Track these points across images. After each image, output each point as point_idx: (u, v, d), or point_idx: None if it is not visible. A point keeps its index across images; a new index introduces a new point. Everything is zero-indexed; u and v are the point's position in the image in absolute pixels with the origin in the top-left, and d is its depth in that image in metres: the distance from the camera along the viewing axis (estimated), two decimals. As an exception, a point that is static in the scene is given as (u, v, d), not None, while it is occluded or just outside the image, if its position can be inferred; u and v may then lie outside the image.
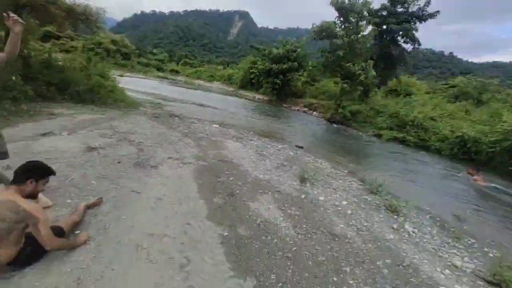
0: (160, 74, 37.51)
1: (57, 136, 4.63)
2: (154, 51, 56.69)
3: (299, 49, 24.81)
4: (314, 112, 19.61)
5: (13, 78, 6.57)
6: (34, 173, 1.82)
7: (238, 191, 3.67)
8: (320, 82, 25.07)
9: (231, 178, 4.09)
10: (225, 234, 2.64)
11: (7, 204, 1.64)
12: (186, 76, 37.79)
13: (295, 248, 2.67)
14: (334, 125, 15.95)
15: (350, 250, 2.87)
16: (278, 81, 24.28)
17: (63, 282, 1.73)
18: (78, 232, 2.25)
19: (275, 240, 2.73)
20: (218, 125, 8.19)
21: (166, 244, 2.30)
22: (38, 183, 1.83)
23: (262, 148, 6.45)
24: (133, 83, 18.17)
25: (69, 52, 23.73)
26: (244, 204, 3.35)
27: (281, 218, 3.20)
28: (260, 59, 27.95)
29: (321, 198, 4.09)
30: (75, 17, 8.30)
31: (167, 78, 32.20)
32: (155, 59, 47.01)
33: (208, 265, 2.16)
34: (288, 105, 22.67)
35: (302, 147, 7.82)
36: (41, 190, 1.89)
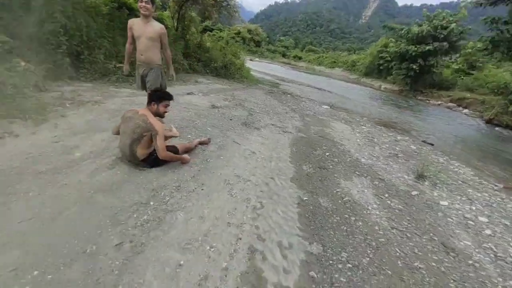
0: (284, 60, 39.49)
1: (195, 95, 5.88)
2: (282, 38, 59.98)
3: (453, 25, 18.33)
4: (465, 110, 14.80)
5: (177, 55, 8.80)
6: (155, 97, 2.41)
7: (331, 166, 3.40)
8: (483, 70, 18.23)
9: (327, 154, 3.82)
10: (305, 198, 2.53)
11: (141, 117, 2.29)
12: (308, 62, 37.88)
13: (383, 239, 2.20)
14: (497, 129, 11.45)
15: (471, 275, 2.06)
16: (415, 67, 19.31)
17: (169, 184, 2.25)
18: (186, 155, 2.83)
19: (360, 223, 2.35)
20: (328, 107, 7.77)
21: (248, 187, 2.48)
22: (159, 105, 2.41)
23: (374, 135, 5.58)
24: (259, 66, 20.15)
25: (219, 40, 29.38)
26: (335, 179, 3.07)
27: (375, 206, 2.70)
28: (393, 41, 23.13)
29: (443, 203, 3.12)
30: (219, 5, 9.98)
31: (289, 64, 33.62)
32: (282, 46, 49.81)
33: (279, 216, 2.16)
34: (426, 98, 18.20)
35: (432, 145, 6.17)
36: (162, 111, 2.47)
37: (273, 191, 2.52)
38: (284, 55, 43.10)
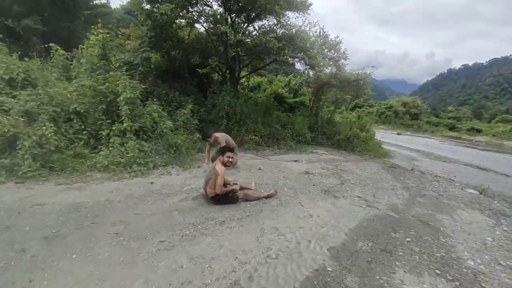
0: (452, 133, 31.99)
1: (298, 162, 6.66)
2: (450, 108, 49.94)
3: None
4: None
5: (302, 129, 10.30)
6: (221, 151, 3.45)
7: (400, 253, 2.74)
8: None
9: (408, 239, 3.07)
10: (328, 269, 2.34)
11: (213, 165, 3.37)
12: (492, 136, 27.99)
13: None
14: None
15: None
16: None
17: (218, 218, 3.01)
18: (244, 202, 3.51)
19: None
20: (476, 192, 5.70)
21: (277, 239, 2.73)
22: (224, 156, 3.44)
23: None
24: (404, 140, 17.94)
25: (366, 115, 29.88)
26: (391, 267, 2.48)
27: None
28: None
29: None
30: (350, 85, 10.95)
31: (459, 138, 26.64)
32: (451, 117, 41.16)
33: (283, 272, 2.23)
34: None
35: None
36: (226, 160, 3.49)
37: (299, 250, 2.57)
38: (452, 128, 35.02)
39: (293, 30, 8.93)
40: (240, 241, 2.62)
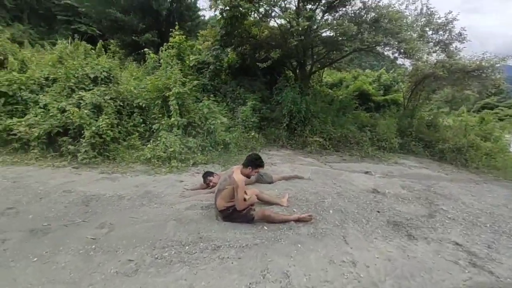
0: None
1: (369, 175, 5.09)
2: None
3: None
4: None
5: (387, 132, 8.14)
6: (253, 164, 2.67)
7: None
8: None
9: None
10: None
11: (229, 172, 2.66)
12: None
13: None
14: None
15: None
16: None
17: (215, 241, 2.31)
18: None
19: None
20: None
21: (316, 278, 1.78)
22: (253, 170, 2.70)
23: None
24: None
25: (502, 120, 22.13)
26: None
27: None
28: None
29: None
30: (468, 76, 7.83)
31: None
32: None
33: None
34: None
35: None
36: (252, 174, 2.77)
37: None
38: None
39: (382, 10, 7.04)
40: (223, 282, 1.84)
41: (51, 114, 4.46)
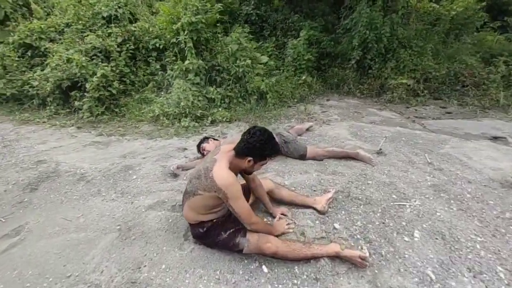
0: None
1: (502, 145, 2.82)
2: None
3: None
4: None
5: None
6: (257, 153, 1.35)
7: None
8: None
9: None
10: None
11: (209, 164, 1.37)
12: None
13: None
14: None
15: None
16: None
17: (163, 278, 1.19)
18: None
19: None
20: None
21: None
22: (256, 163, 1.38)
23: None
24: None
25: None
26: None
27: None
28: None
29: None
30: None
31: None
32: None
33: None
34: None
35: None
36: (256, 169, 1.43)
37: None
38: None
39: None
40: None
41: (56, 64, 3.89)
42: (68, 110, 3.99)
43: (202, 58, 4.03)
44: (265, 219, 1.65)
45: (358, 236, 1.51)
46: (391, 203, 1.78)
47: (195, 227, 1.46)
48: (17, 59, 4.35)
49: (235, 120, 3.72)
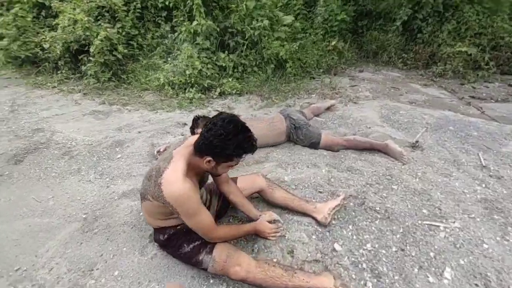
0: None
1: None
2: None
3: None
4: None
5: None
6: (210, 149, 0.90)
7: None
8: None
9: None
10: None
11: (161, 164, 1.07)
12: None
13: None
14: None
15: None
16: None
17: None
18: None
19: None
20: None
21: None
22: (216, 163, 1.00)
23: None
24: None
25: None
26: None
27: None
28: None
29: None
30: None
31: None
32: None
33: None
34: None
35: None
36: (221, 172, 1.12)
37: None
38: None
39: None
40: None
41: (65, 26, 3.68)
42: (78, 75, 3.87)
43: (214, 18, 3.51)
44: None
45: (364, 266, 1.14)
46: (419, 222, 1.34)
47: (156, 233, 1.20)
48: (31, 19, 4.23)
49: (246, 92, 3.29)
